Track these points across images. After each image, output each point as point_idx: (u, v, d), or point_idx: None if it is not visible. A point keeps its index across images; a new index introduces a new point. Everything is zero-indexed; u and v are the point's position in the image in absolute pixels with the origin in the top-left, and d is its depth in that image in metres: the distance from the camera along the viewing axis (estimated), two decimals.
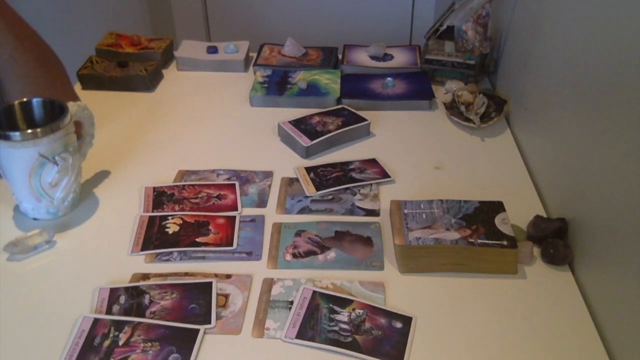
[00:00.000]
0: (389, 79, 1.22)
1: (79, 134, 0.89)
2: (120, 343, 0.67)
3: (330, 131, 1.04)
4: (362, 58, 1.30)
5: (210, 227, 0.85)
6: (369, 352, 0.67)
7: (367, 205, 0.90)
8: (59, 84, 0.98)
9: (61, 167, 0.83)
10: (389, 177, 0.96)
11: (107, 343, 0.67)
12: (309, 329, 0.70)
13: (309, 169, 0.97)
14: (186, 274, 0.78)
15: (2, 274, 0.78)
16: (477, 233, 0.78)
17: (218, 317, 0.71)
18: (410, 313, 0.72)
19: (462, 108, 1.09)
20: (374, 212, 0.89)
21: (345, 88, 1.19)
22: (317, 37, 1.63)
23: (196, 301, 0.73)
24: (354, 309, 0.72)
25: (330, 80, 1.21)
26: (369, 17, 2.16)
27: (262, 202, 0.91)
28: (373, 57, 1.30)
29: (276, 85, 1.20)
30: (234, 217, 0.87)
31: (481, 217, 0.80)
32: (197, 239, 0.83)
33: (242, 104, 1.19)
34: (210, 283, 0.75)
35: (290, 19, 2.18)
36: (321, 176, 0.96)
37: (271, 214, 0.89)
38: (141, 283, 0.76)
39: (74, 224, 0.87)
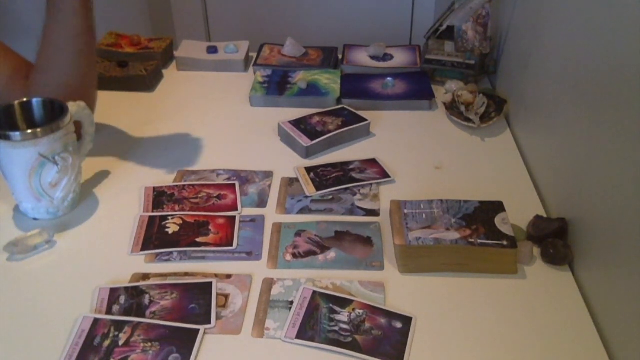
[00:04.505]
0: (389, 79, 1.22)
1: (79, 134, 0.89)
2: (120, 343, 0.67)
3: (330, 131, 1.04)
4: (362, 58, 1.30)
5: (210, 227, 0.85)
6: (369, 352, 0.67)
7: (367, 205, 0.90)
8: (94, 71, 1.02)
9: (61, 167, 0.83)
10: (389, 177, 0.96)
11: (107, 343, 0.67)
12: (309, 329, 0.69)
13: (309, 169, 0.97)
14: (186, 274, 0.78)
15: (2, 274, 0.78)
16: (477, 233, 0.78)
17: (218, 317, 0.71)
18: (410, 313, 0.72)
19: (462, 108, 1.09)
20: (374, 212, 0.89)
21: (345, 88, 1.19)
22: (317, 37, 1.63)
23: (196, 301, 0.73)
24: (354, 309, 0.72)
25: (330, 80, 1.21)
26: (369, 17, 2.16)
27: (262, 202, 0.91)
28: (373, 57, 1.30)
29: (276, 85, 1.20)
30: (234, 217, 0.87)
31: (481, 217, 0.80)
32: (197, 239, 0.83)
33: (242, 104, 1.19)
34: (210, 283, 0.75)
35: (290, 19, 2.18)
36: (321, 176, 0.96)
37: (271, 214, 0.89)
38: (141, 283, 0.76)
39: (74, 224, 0.87)
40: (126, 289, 0.75)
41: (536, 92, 1.00)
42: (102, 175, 0.97)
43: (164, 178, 0.96)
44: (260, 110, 1.17)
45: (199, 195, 0.92)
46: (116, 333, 0.69)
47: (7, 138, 0.79)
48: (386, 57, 1.30)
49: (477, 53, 1.19)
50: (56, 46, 0.93)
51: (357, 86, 1.20)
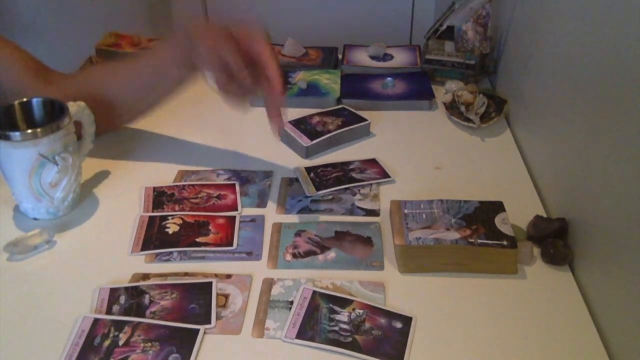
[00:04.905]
0: (389, 79, 1.22)
1: (79, 134, 0.89)
2: (120, 343, 0.67)
3: (330, 131, 1.04)
4: (362, 58, 1.30)
5: (210, 227, 0.85)
6: (369, 352, 0.67)
7: (367, 205, 0.90)
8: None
9: (61, 167, 0.83)
10: (389, 177, 0.96)
11: (107, 343, 0.67)
12: (309, 329, 0.69)
13: (309, 169, 0.97)
14: (186, 274, 0.78)
15: (2, 274, 0.78)
16: (477, 233, 0.78)
17: (218, 317, 0.71)
18: (410, 313, 0.72)
19: (462, 108, 1.09)
20: (374, 212, 0.89)
21: (345, 88, 1.19)
22: (317, 37, 1.62)
23: (196, 301, 0.73)
24: (354, 309, 0.72)
25: (330, 80, 1.21)
26: (369, 17, 2.16)
27: (262, 202, 0.91)
28: (373, 57, 1.30)
29: None
30: (234, 217, 0.87)
31: (481, 217, 0.80)
32: (197, 239, 0.83)
33: None
34: (210, 283, 0.75)
35: (290, 19, 2.18)
36: (321, 176, 0.96)
37: (271, 214, 0.89)
38: (141, 283, 0.76)
39: (74, 224, 0.87)
40: (126, 289, 0.75)
41: (536, 92, 1.00)
42: (102, 175, 0.97)
43: (164, 178, 0.96)
44: (260, 110, 1.16)
45: (199, 195, 0.92)
46: (116, 333, 0.69)
47: (7, 138, 0.79)
48: (386, 57, 1.30)
49: (477, 53, 1.19)
50: (126, 79, 0.99)
51: (357, 86, 1.20)
